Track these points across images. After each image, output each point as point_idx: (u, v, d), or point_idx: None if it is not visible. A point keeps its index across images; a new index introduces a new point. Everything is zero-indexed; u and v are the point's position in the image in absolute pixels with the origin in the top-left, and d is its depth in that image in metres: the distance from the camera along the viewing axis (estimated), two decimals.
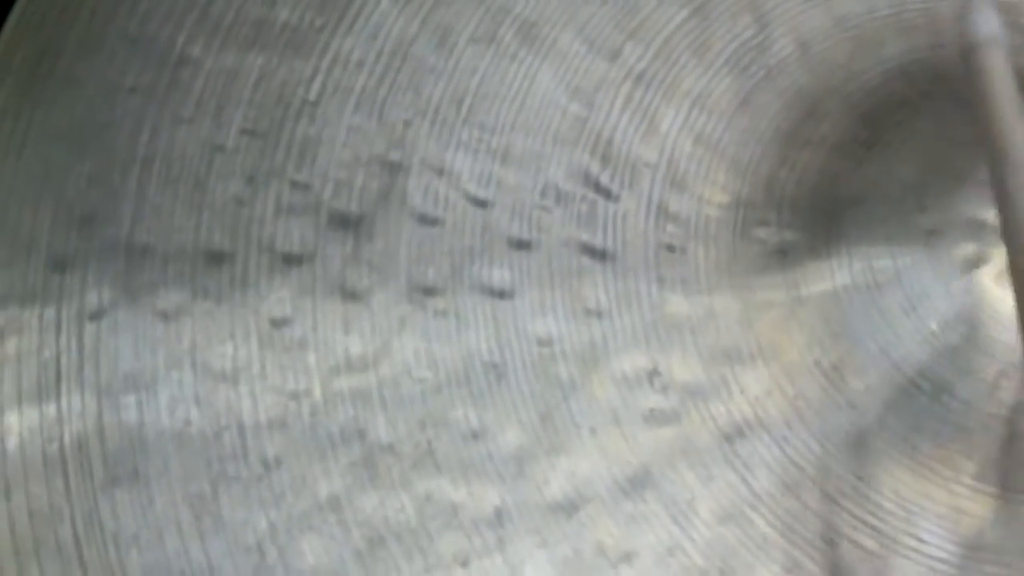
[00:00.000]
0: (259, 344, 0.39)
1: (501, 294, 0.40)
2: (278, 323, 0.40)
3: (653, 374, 0.39)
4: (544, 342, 0.40)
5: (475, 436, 0.39)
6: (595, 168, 0.41)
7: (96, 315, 0.40)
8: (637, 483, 0.38)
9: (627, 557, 0.38)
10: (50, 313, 0.40)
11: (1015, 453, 0.39)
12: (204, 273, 0.40)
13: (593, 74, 0.42)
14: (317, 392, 0.39)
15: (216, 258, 0.40)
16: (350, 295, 0.40)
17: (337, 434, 0.39)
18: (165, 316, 0.40)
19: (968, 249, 0.39)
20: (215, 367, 0.39)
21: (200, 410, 0.39)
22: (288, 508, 0.38)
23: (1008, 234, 0.35)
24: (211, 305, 0.40)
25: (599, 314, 0.40)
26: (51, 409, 0.39)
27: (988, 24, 0.37)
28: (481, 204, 0.41)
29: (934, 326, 0.39)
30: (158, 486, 0.38)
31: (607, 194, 0.41)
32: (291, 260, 0.40)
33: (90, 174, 0.41)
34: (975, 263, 0.39)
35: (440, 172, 0.41)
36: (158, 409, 0.39)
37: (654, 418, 0.39)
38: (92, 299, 0.40)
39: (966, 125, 0.41)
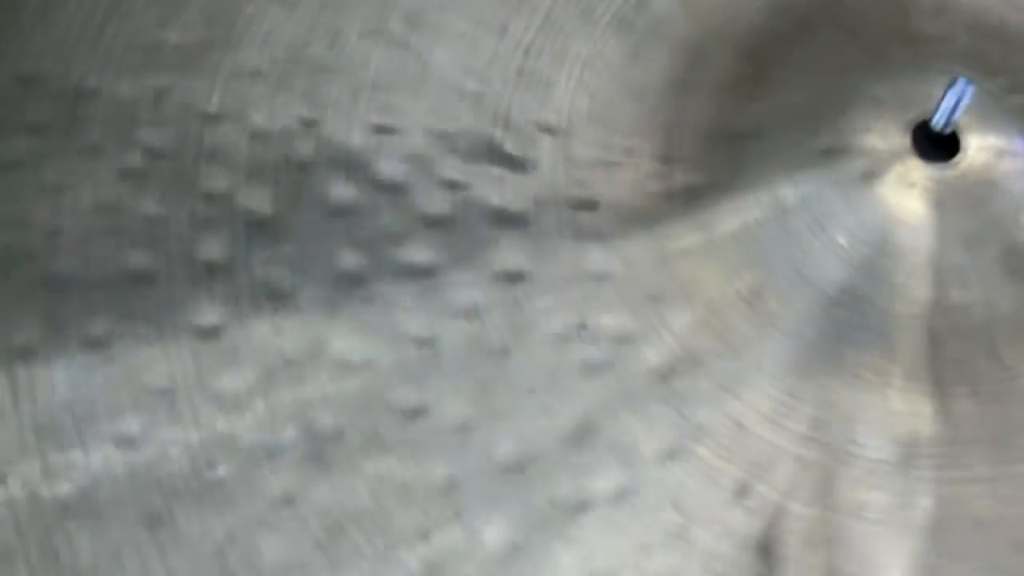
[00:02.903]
0: (193, 357, 0.40)
1: (424, 273, 0.41)
2: (209, 333, 0.40)
3: (581, 327, 0.40)
4: (472, 313, 0.40)
5: (417, 414, 0.39)
6: (498, 139, 0.42)
7: (25, 353, 0.40)
8: (581, 434, 0.39)
9: (581, 506, 0.38)
10: None
11: (936, 350, 0.40)
12: (130, 296, 0.41)
13: (484, 51, 0.43)
14: (257, 395, 0.40)
15: (139, 279, 0.41)
16: (277, 296, 0.41)
17: (282, 432, 0.39)
18: (97, 343, 0.40)
19: (864, 163, 0.41)
20: (152, 386, 0.40)
21: (143, 430, 0.39)
22: (243, 512, 0.38)
23: None
24: (141, 326, 0.40)
25: (521, 278, 0.41)
26: None
27: None
28: (392, 189, 0.42)
29: (842, 240, 0.40)
30: (111, 511, 0.38)
31: (513, 162, 0.42)
32: (214, 270, 0.41)
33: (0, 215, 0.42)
34: (872, 175, 0.41)
35: (348, 164, 0.42)
36: (100, 435, 0.39)
37: (588, 369, 0.40)
38: (19, 339, 0.40)
39: (848, 47, 0.43)
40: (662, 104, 0.43)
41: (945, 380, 0.40)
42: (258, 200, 0.42)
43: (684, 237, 0.41)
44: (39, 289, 0.41)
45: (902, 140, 0.40)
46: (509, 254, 0.41)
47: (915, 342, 0.40)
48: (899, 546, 0.38)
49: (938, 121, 0.40)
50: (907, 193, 0.40)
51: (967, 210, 0.40)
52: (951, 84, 0.39)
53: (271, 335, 0.40)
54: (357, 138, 0.42)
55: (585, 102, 0.43)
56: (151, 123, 0.42)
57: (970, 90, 0.39)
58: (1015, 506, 0.39)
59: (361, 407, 0.39)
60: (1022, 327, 0.40)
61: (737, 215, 0.41)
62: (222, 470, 0.39)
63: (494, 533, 0.38)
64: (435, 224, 0.41)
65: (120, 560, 0.38)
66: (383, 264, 0.41)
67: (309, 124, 0.42)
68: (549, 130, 0.42)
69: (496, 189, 0.42)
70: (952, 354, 0.40)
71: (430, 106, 0.43)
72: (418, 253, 0.41)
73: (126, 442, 0.39)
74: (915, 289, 0.40)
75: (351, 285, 0.41)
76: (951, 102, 0.40)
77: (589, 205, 0.42)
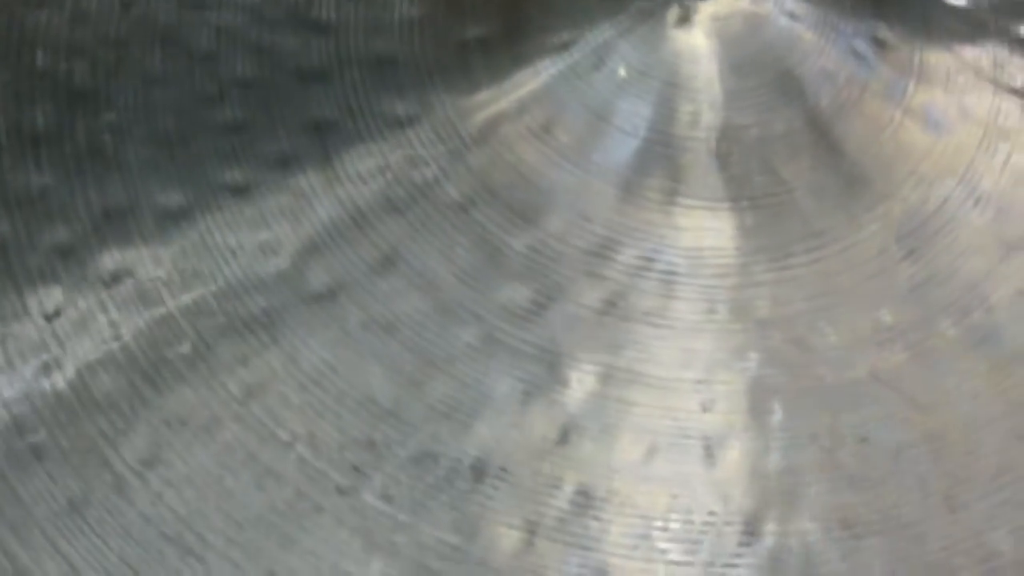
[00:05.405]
0: (23, 219, 0.42)
1: (237, 129, 0.44)
2: (37, 196, 0.43)
3: (384, 169, 0.43)
4: (283, 162, 0.43)
5: (235, 253, 0.42)
6: (302, 6, 0.45)
7: None
8: (387, 262, 0.42)
9: (390, 327, 0.41)
10: None
11: (719, 169, 0.43)
12: None
13: None
14: (84, 249, 0.42)
15: None
16: (99, 157, 0.43)
17: (108, 277, 0.42)
18: None
19: (643, 3, 0.44)
20: None
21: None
22: (76, 348, 0.40)
23: None
24: None
25: (328, 128, 0.43)
26: None
27: None
28: (205, 58, 0.44)
29: (623, 73, 0.43)
30: (6, 459, 0.40)
31: (316, 25, 0.45)
32: (38, 139, 0.43)
33: None
34: (651, 13, 0.44)
35: (163, 38, 0.45)
36: None
37: (392, 206, 0.42)
38: None
39: None
40: None
41: (728, 196, 0.43)
42: (80, 75, 0.44)
43: (478, 84, 0.44)
44: None
45: None
46: (316, 108, 0.44)
47: (700, 162, 0.43)
48: (691, 347, 0.41)
49: None
50: (684, 28, 0.43)
51: (740, 40, 0.44)
52: None
53: (96, 195, 0.43)
54: (171, 15, 0.45)
55: None
56: None
57: None
58: (791, 305, 0.42)
59: (181, 252, 0.42)
60: (795, 146, 0.43)
61: (527, 60, 0.44)
62: (55, 308, 0.41)
63: (310, 355, 0.41)
64: (246, 85, 0.44)
65: (14, 489, 0.39)
66: (201, 124, 0.43)
67: (126, 5, 0.45)
68: None
69: (302, 51, 0.44)
70: (734, 172, 0.43)
71: None
72: (231, 112, 0.44)
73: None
74: (696, 114, 0.43)
75: (170, 145, 0.43)
76: None
77: (389, 60, 0.44)
